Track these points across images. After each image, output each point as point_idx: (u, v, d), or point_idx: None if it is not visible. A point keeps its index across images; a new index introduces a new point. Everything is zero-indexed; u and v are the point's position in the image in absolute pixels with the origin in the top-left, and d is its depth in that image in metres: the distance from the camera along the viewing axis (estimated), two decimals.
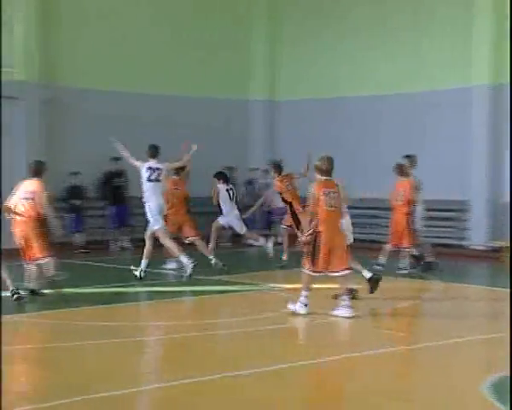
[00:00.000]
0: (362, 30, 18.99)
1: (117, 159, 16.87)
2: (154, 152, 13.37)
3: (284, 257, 14.61)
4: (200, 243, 14.17)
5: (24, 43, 16.60)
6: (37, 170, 11.76)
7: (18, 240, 11.62)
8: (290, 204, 14.55)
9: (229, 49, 19.80)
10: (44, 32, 16.98)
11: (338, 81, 19.26)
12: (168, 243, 13.20)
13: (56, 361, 8.20)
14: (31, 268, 11.71)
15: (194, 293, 12.29)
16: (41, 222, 11.73)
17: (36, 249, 11.61)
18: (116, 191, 17.48)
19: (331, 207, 10.15)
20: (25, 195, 11.53)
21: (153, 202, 13.17)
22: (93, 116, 17.27)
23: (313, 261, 10.09)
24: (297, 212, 14.19)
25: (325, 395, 7.30)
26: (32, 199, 11.53)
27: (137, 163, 13.40)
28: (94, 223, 17.49)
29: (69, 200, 16.99)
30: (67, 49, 17.41)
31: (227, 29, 19.80)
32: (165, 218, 13.59)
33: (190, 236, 14.11)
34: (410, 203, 13.90)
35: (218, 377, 7.43)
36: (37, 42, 16.84)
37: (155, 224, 13.16)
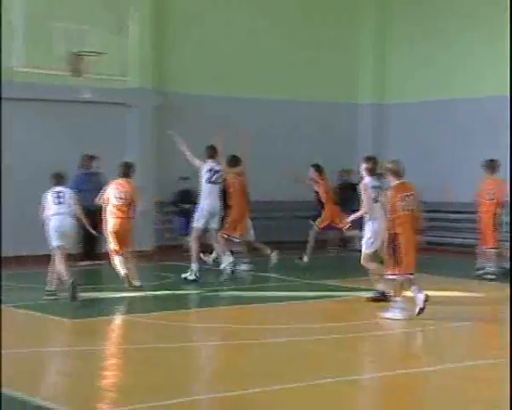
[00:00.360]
0: (476, 29, 18.55)
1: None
2: (212, 152, 13.55)
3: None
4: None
5: (139, 52, 17.06)
6: (127, 170, 12.46)
7: (112, 235, 12.24)
8: (323, 205, 14.67)
9: (336, 51, 19.62)
10: (157, 40, 17.40)
11: (449, 83, 18.87)
12: (194, 244, 13.36)
13: (168, 361, 8.38)
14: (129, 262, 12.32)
15: (304, 297, 12.23)
16: (131, 221, 12.44)
17: (127, 245, 12.28)
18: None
19: (407, 210, 10.18)
20: (119, 194, 12.26)
21: (207, 203, 13.38)
22: (203, 121, 17.56)
23: (397, 265, 10.09)
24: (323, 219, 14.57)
25: (427, 404, 7.22)
26: (126, 199, 12.25)
27: (197, 162, 13.60)
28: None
29: (179, 204, 17.38)
30: (178, 56, 17.75)
31: (334, 29, 19.60)
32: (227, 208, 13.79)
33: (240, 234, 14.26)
34: (500, 203, 13.54)
35: (328, 382, 7.48)
36: (151, 50, 17.30)
37: (196, 222, 13.37)
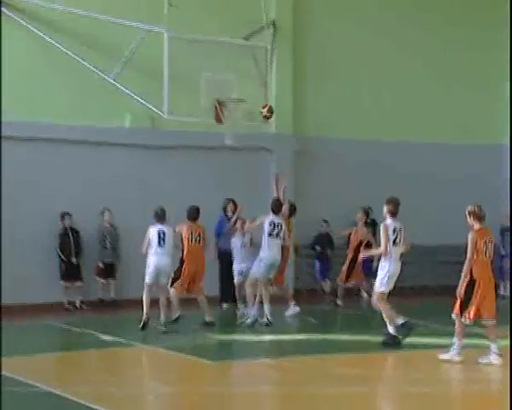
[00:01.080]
0: None
1: (369, 208, 17.20)
2: (278, 207, 13.44)
3: None
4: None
5: (279, 98, 17.45)
6: (197, 214, 13.17)
7: (189, 274, 12.90)
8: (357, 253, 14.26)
9: (475, 86, 19.13)
10: (296, 87, 17.75)
11: None
12: (263, 290, 13.19)
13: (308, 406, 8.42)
14: (201, 300, 13.06)
15: (424, 345, 11.62)
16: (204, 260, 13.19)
17: (200, 284, 13.01)
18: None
19: (487, 256, 10.16)
20: (196, 236, 13.01)
21: (267, 256, 13.18)
22: (341, 165, 17.75)
23: (466, 310, 10.07)
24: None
25: None
26: (201, 241, 13.03)
27: (258, 221, 13.47)
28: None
29: (317, 247, 17.51)
30: (316, 101, 17.99)
31: (477, 66, 19.12)
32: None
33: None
34: None
35: None
36: (290, 96, 17.66)
37: (257, 271, 13.21)
